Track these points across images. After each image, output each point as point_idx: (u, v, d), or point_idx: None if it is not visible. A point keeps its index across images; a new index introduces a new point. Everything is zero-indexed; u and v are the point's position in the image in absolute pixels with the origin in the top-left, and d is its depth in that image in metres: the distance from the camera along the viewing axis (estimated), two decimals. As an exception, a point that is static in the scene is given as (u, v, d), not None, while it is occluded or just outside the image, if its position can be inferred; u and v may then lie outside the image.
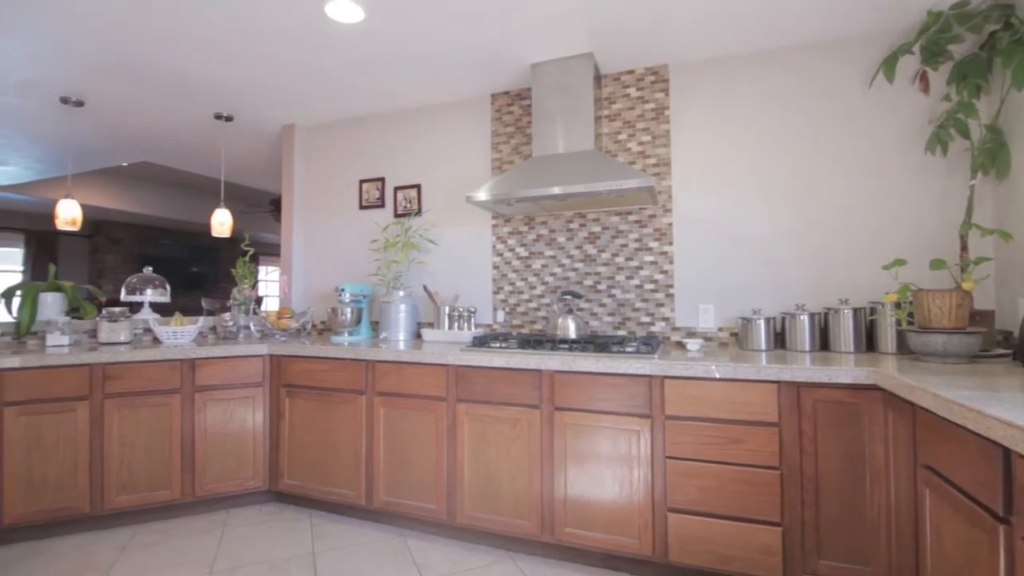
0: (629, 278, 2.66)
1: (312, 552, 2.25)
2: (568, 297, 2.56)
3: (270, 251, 9.56)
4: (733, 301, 2.49)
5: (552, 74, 2.58)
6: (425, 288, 2.91)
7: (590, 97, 2.50)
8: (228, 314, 3.07)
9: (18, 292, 2.77)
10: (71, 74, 2.80)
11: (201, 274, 8.43)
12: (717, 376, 1.88)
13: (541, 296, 2.83)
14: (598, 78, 2.69)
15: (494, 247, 2.96)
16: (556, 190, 2.29)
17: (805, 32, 2.33)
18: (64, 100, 3.13)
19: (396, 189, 3.26)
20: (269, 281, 10.03)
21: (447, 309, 2.80)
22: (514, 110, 2.95)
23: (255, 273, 3.31)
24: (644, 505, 1.97)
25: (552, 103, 2.57)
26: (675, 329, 2.57)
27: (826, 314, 2.24)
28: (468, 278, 3.02)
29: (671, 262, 2.59)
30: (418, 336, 2.99)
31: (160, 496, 2.53)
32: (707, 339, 2.52)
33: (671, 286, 2.59)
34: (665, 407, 1.96)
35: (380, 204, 3.32)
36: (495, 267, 2.95)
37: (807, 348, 2.22)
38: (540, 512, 2.12)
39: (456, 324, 2.77)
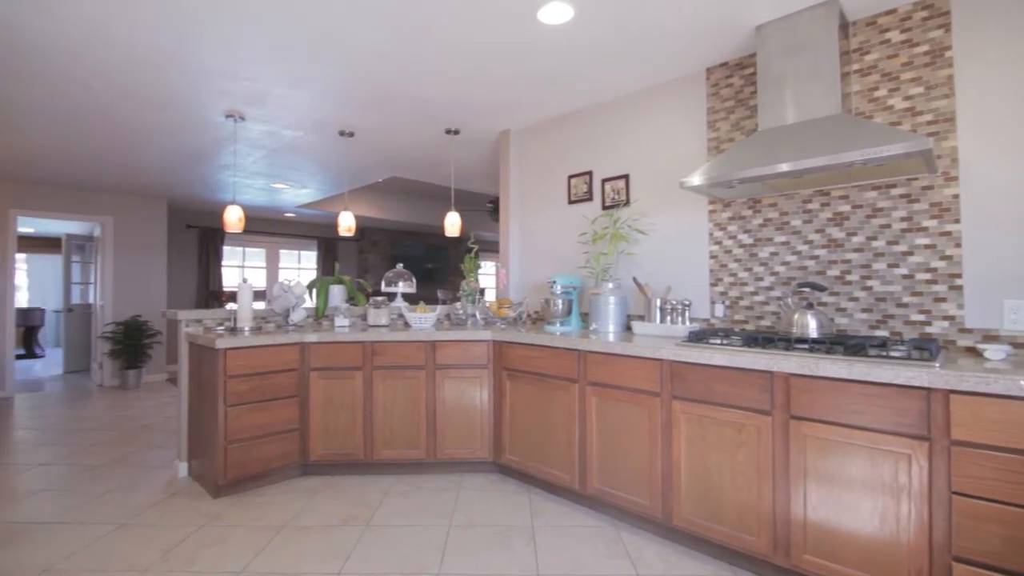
0: (893, 266, 2.17)
1: (531, 526, 2.41)
2: (807, 289, 2.22)
3: (487, 248, 10.62)
4: (1064, 295, 1.83)
5: (782, 33, 2.25)
6: (635, 280, 2.85)
7: (834, 51, 2.11)
8: (458, 303, 3.49)
9: (315, 286, 3.61)
10: (346, 111, 3.50)
11: (433, 269, 9.81)
12: (1039, 395, 1.41)
13: (770, 288, 2.51)
14: (844, 27, 2.25)
15: (711, 235, 2.74)
16: (784, 167, 2.00)
17: None
18: (341, 133, 3.95)
19: (604, 181, 3.26)
20: (486, 275, 11.15)
21: (658, 302, 2.69)
22: (734, 82, 2.67)
23: (478, 267, 3.69)
24: (917, 547, 1.60)
25: (783, 66, 2.24)
26: (964, 331, 2.01)
27: None
28: (681, 269, 2.86)
29: (957, 245, 2.03)
30: (628, 329, 2.95)
31: (411, 454, 3.02)
32: (1017, 345, 1.90)
33: (957, 276, 2.02)
34: (951, 430, 1.54)
35: (588, 197, 3.36)
36: (712, 256, 2.73)
37: None
38: (772, 530, 1.89)
39: (669, 318, 2.65)
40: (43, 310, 9.21)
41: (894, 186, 2.17)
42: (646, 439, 2.27)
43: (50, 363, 8.19)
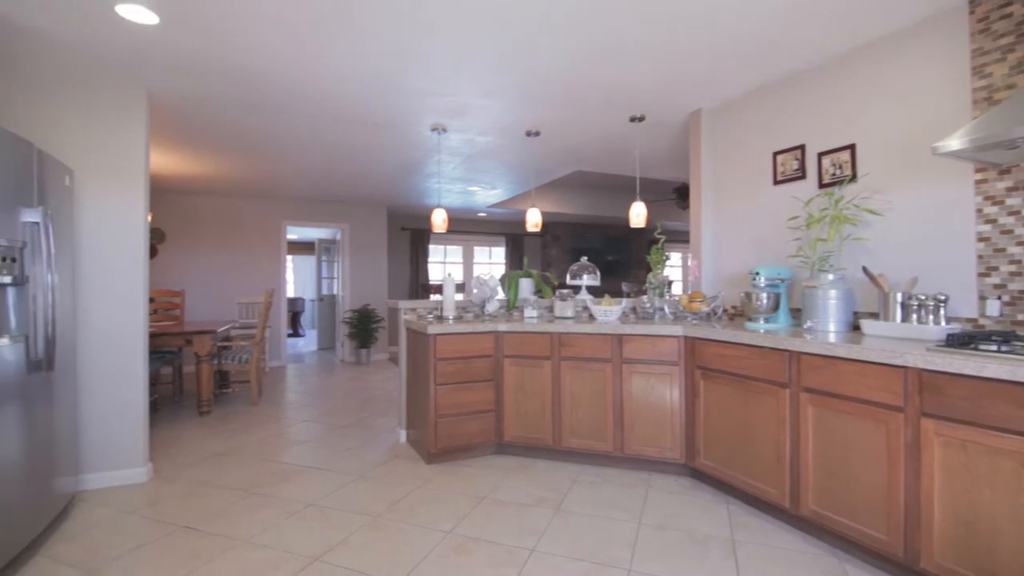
0: None
1: (731, 539, 2.22)
2: None
3: (672, 238, 10.10)
4: None
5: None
6: (865, 270, 2.39)
7: None
8: (645, 296, 3.38)
9: (506, 279, 3.85)
10: (531, 113, 3.64)
11: (614, 261, 9.70)
12: None
13: (1079, 279, 1.87)
14: None
15: (980, 211, 2.15)
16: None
17: None
18: (528, 133, 4.12)
19: (820, 155, 2.81)
20: (672, 266, 10.62)
21: (899, 296, 2.22)
22: (1013, 11, 2.04)
23: (665, 259, 3.51)
24: None
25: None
26: None
27: None
28: (932, 256, 2.31)
29: None
30: (855, 328, 2.50)
31: (597, 446, 3.03)
32: None
33: None
34: None
35: (799, 175, 2.93)
36: (982, 239, 2.14)
37: None
38: (1085, 602, 1.41)
39: (915, 316, 2.16)
40: (303, 299, 11.69)
41: None
42: (883, 461, 1.89)
43: (308, 341, 10.36)
